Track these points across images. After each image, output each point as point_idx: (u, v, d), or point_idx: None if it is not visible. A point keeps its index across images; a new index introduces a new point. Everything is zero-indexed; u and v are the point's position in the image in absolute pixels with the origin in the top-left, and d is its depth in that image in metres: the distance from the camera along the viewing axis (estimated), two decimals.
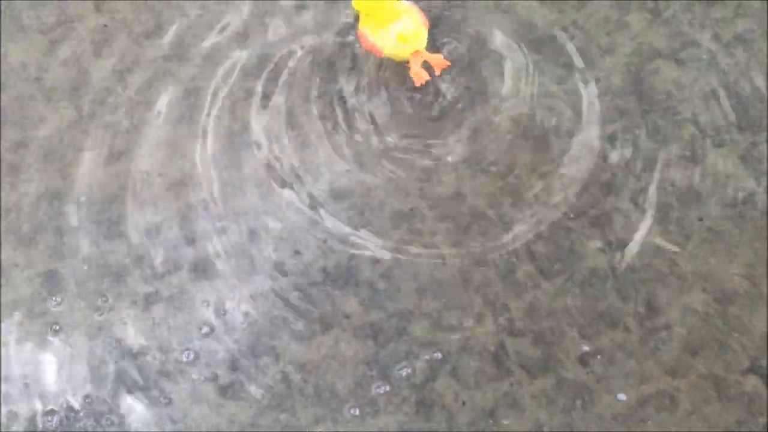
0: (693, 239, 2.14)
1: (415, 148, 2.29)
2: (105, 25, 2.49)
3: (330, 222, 2.22)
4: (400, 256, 2.16)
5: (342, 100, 2.37)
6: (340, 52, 2.44)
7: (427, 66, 2.32)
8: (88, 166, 2.29)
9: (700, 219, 2.16)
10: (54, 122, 2.35)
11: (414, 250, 2.17)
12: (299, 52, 2.44)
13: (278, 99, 2.38)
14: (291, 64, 2.42)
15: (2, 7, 2.53)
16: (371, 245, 2.18)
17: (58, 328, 2.12)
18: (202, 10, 2.51)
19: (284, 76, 2.40)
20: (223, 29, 2.48)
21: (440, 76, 2.38)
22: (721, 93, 2.32)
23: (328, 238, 2.19)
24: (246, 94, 2.38)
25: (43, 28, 2.51)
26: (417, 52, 2.30)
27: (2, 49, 2.48)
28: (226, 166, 2.28)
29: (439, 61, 2.36)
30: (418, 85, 2.33)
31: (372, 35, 2.26)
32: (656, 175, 2.21)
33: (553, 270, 2.12)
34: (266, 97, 2.38)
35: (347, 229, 2.20)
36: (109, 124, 2.34)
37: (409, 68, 2.33)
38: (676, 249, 2.13)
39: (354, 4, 2.21)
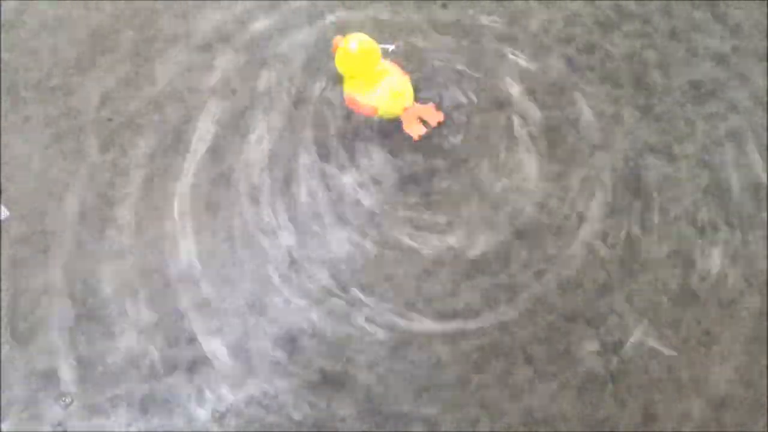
0: (688, 341, 2.11)
1: (412, 244, 2.24)
2: (109, 119, 2.46)
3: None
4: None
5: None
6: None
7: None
8: (89, 262, 2.27)
9: (695, 320, 2.11)
10: (57, 216, 2.34)
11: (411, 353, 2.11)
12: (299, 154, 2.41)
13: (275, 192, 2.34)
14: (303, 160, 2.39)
15: (7, 101, 2.50)
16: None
17: (60, 429, 2.05)
18: (203, 103, 2.50)
19: (276, 172, 2.37)
20: (220, 120, 2.46)
21: (437, 128, 2.38)
22: (714, 190, 2.29)
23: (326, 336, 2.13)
24: (250, 188, 2.35)
25: (48, 121, 2.51)
26: (408, 107, 2.32)
27: (6, 141, 2.46)
28: (223, 264, 2.23)
29: (432, 114, 2.38)
30: (416, 139, 2.35)
31: (361, 97, 2.26)
32: (650, 275, 2.16)
33: (549, 373, 2.05)
34: (257, 188, 2.36)
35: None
36: (111, 218, 2.33)
37: (402, 125, 2.35)
38: (672, 353, 2.07)
39: (338, 65, 2.24)
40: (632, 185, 2.30)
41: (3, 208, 2.31)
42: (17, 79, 2.56)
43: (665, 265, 2.17)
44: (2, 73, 2.57)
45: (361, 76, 2.23)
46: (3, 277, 2.23)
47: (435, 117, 2.38)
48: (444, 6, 2.65)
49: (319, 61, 2.54)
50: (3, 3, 2.73)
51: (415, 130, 2.34)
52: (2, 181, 2.38)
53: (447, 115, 2.42)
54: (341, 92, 2.33)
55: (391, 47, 2.39)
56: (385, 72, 2.25)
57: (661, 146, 2.36)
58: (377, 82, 2.24)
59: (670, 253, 2.19)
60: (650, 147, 2.36)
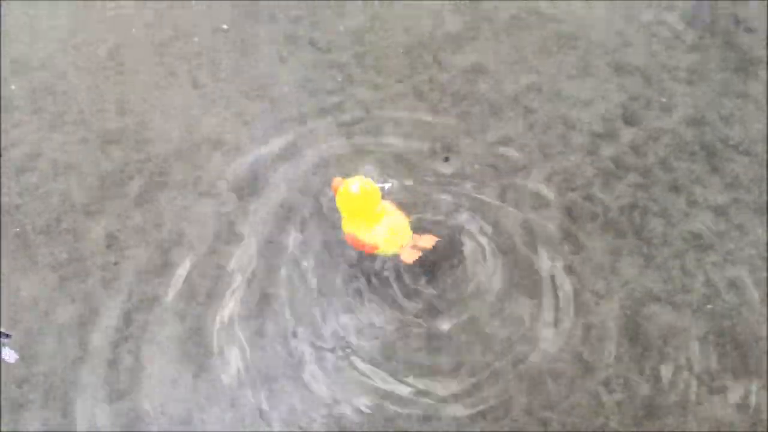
0: None
1: (413, 391, 2.37)
2: (115, 263, 2.63)
3: None
4: None
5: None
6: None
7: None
8: (90, 404, 2.38)
9: None
10: (59, 358, 2.47)
11: None
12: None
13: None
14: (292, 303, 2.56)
15: (16, 244, 2.68)
16: None
17: None
18: (209, 249, 2.68)
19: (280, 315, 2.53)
20: (231, 272, 2.65)
21: (432, 249, 2.57)
22: (716, 339, 2.43)
23: None
24: (252, 334, 2.50)
25: (55, 264, 2.67)
26: (407, 243, 2.52)
27: (13, 283, 2.62)
28: (226, 407, 2.35)
29: (428, 240, 2.58)
30: (410, 262, 2.52)
31: (363, 235, 2.47)
32: (655, 423, 2.28)
33: None
34: (261, 334, 2.50)
35: None
36: (113, 361, 2.45)
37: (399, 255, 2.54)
38: None
39: (340, 207, 2.45)
40: (635, 333, 2.44)
41: (12, 352, 2.46)
42: (27, 223, 2.76)
43: (669, 412, 2.30)
44: (13, 217, 2.78)
45: (363, 216, 2.44)
46: (3, 419, 2.35)
47: (429, 241, 2.58)
48: (446, 160, 2.90)
49: (329, 213, 2.76)
50: (13, 149, 2.96)
51: (410, 256, 2.51)
52: (9, 323, 2.53)
53: (449, 267, 2.61)
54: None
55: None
56: (385, 211, 2.47)
57: (663, 295, 2.52)
58: (377, 221, 2.45)
59: (674, 400, 2.32)
60: (652, 296, 2.52)
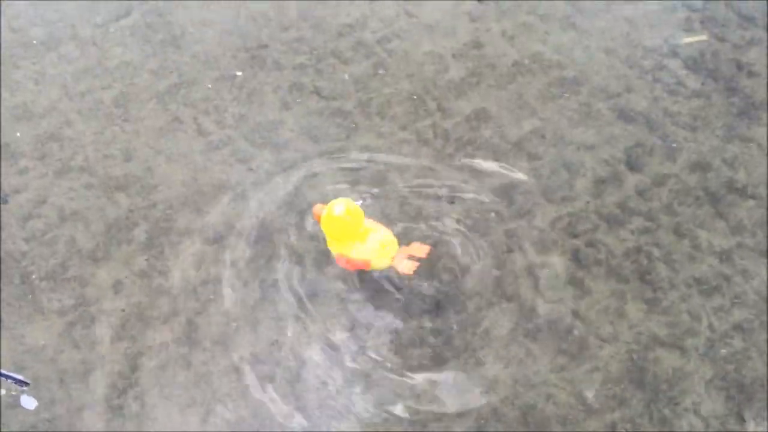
0: None
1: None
2: (122, 310, 2.72)
3: None
4: None
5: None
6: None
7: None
8: None
9: None
10: (66, 405, 2.54)
11: None
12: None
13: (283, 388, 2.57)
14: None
15: (22, 291, 2.77)
16: None
17: None
18: (215, 295, 2.76)
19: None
20: (235, 320, 2.73)
21: (427, 257, 2.68)
22: (722, 382, 2.51)
23: None
24: (260, 378, 2.59)
25: (61, 310, 2.76)
26: (397, 255, 2.63)
27: (19, 330, 2.70)
28: None
29: (420, 249, 2.69)
30: (411, 274, 2.64)
31: (351, 254, 2.59)
32: None
33: None
34: (271, 379, 2.59)
35: None
36: (120, 407, 2.53)
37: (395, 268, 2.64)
38: None
39: (326, 230, 2.56)
40: (640, 377, 2.52)
41: (31, 399, 2.53)
42: (33, 269, 2.86)
43: None
44: (19, 263, 2.87)
45: (350, 236, 2.55)
46: None
47: (422, 251, 2.68)
48: (451, 201, 3.01)
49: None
50: (18, 195, 3.06)
51: (409, 267, 2.61)
52: (15, 368, 2.61)
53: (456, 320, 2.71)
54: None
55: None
56: (370, 228, 2.58)
57: (669, 339, 2.61)
58: (364, 239, 2.56)
59: None
60: (657, 340, 2.61)
